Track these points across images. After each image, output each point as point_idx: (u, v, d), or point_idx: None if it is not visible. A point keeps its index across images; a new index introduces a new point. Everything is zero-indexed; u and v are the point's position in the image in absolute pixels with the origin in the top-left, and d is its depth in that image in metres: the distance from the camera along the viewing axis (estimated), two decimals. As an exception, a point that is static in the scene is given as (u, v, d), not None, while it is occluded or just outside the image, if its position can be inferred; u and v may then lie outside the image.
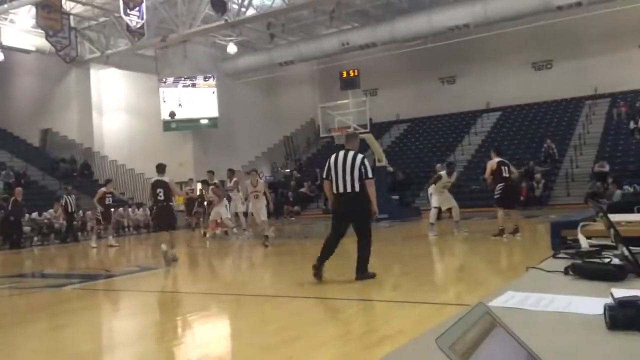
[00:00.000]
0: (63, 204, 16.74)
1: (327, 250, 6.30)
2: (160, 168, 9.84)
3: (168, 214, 9.67)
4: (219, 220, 13.09)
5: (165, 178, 9.69)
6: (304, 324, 4.71)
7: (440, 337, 0.69)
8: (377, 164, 19.13)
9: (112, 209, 15.50)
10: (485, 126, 26.02)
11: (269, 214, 12.97)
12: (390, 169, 19.98)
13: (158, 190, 9.47)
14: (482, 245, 7.05)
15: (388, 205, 18.60)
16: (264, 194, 12.11)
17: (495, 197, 10.10)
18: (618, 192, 16.93)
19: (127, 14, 18.80)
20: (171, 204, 9.71)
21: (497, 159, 10.36)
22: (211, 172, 14.28)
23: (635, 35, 23.24)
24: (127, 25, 19.47)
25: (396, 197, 19.92)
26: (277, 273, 9.03)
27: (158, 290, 7.64)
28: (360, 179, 6.14)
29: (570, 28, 22.18)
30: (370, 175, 6.25)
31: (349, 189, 6.15)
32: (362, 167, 6.17)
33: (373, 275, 6.23)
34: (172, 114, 25.05)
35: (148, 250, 13.29)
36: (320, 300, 5.71)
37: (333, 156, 6.35)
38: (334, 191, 6.27)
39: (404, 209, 19.73)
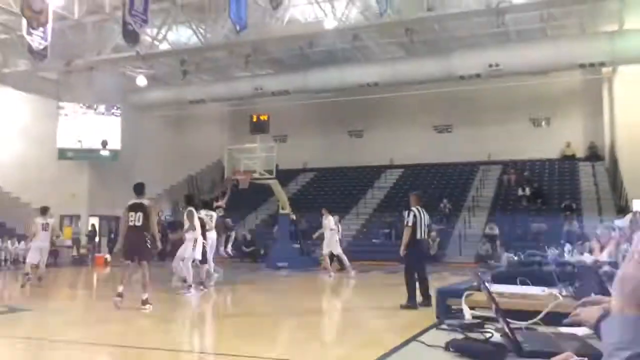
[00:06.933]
0: None
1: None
2: (139, 189, 8.79)
3: (141, 241, 8.42)
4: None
5: (146, 201, 8.65)
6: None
7: None
8: (280, 212, 19.03)
9: None
10: (388, 181, 26.89)
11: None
12: (293, 217, 19.91)
13: (137, 215, 8.37)
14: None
15: (288, 253, 18.48)
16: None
17: None
18: (505, 255, 17.84)
19: (29, 34, 17.68)
20: (145, 233, 8.43)
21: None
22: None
23: (525, 109, 25.32)
24: (29, 46, 18.33)
25: (297, 245, 19.81)
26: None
27: (21, 336, 6.88)
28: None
29: (469, 97, 23.79)
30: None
31: (425, 236, 9.15)
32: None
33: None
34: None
35: (16, 289, 12.03)
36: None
37: (416, 210, 9.20)
38: (418, 237, 8.78)
39: (304, 258, 19.63)
